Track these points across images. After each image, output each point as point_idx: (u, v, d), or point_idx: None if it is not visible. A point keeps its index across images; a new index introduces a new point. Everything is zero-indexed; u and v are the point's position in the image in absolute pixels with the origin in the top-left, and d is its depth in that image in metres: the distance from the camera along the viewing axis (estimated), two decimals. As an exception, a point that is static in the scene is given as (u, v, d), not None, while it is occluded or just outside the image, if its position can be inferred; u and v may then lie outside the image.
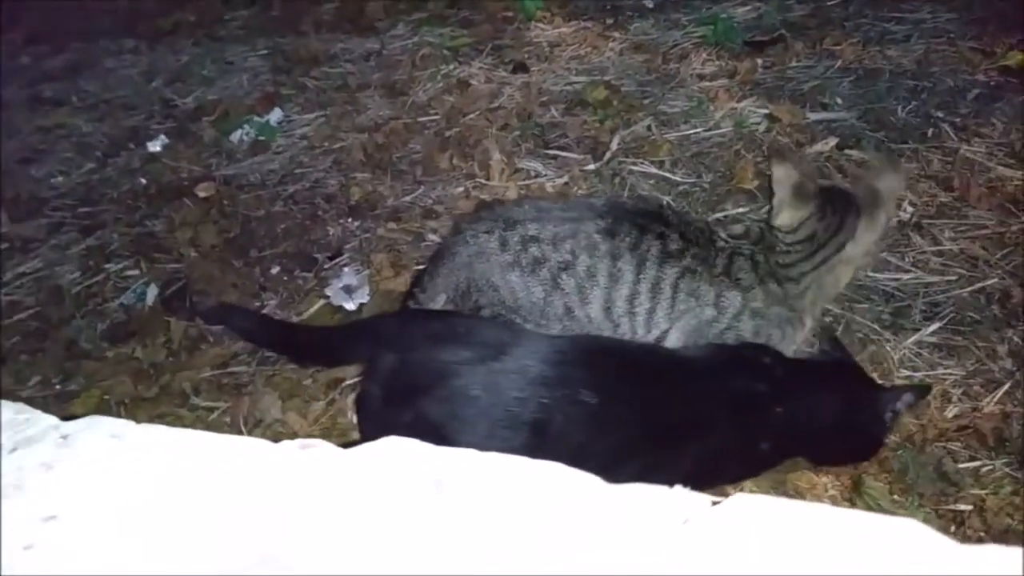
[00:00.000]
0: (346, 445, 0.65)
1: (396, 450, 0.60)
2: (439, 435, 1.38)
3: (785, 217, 1.73)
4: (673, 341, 1.75)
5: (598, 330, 1.76)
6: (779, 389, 1.52)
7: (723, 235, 1.75)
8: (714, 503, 0.51)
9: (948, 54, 2.83)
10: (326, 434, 1.85)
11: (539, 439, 1.38)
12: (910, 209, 2.25)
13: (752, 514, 0.50)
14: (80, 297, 2.34)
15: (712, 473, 1.52)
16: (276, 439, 1.82)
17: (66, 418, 0.70)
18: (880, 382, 1.71)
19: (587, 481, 0.54)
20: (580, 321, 1.76)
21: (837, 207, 1.71)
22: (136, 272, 2.39)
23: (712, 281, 1.70)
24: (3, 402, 0.69)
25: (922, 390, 1.63)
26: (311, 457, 0.62)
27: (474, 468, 0.57)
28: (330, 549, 0.52)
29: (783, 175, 1.71)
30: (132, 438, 0.65)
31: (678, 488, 0.53)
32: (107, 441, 0.64)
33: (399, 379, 1.45)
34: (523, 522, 0.51)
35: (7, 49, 3.67)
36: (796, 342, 1.75)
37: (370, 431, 1.53)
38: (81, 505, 0.60)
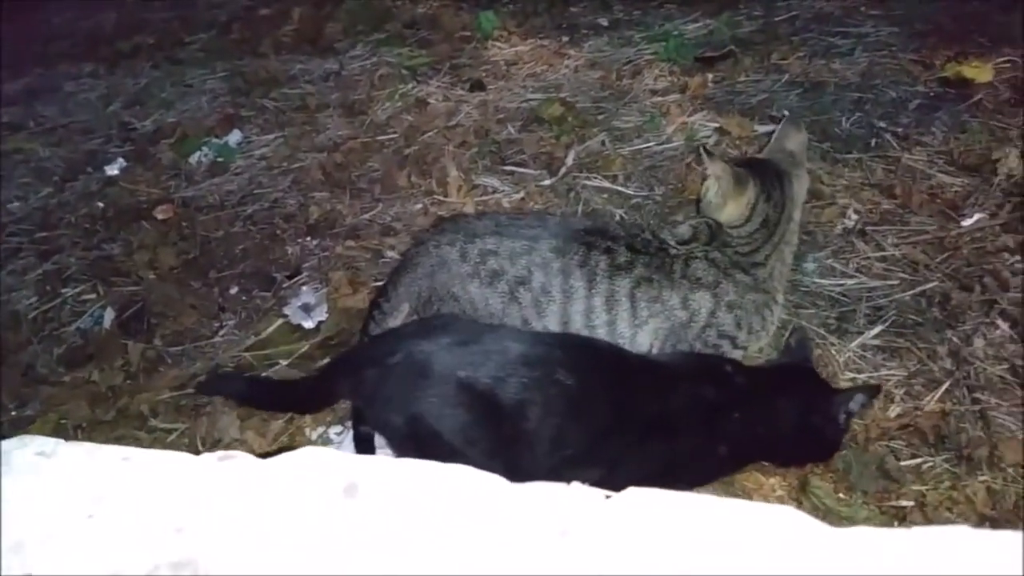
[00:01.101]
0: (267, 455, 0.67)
1: (311, 459, 0.63)
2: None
3: (732, 209, 1.80)
4: (646, 346, 1.79)
5: None
6: (738, 396, 1.56)
7: (672, 242, 1.81)
8: (607, 497, 0.54)
9: (890, 66, 2.92)
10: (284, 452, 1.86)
11: (514, 423, 1.41)
12: (855, 216, 2.32)
13: (641, 507, 0.53)
14: (37, 322, 2.34)
15: (673, 477, 1.54)
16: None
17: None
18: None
19: (492, 482, 0.57)
20: None
21: (773, 182, 1.81)
22: (93, 296, 2.39)
23: (674, 286, 1.76)
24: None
25: (872, 390, 1.67)
26: (229, 467, 0.65)
27: (385, 474, 0.60)
28: (241, 554, 0.54)
29: (719, 170, 1.79)
30: (60, 455, 0.67)
31: (575, 484, 0.56)
32: (35, 459, 0.65)
33: (386, 386, 1.48)
34: (427, 523, 0.54)
35: (-37, 75, 3.65)
36: (776, 321, 1.84)
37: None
38: (6, 519, 0.62)
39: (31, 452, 0.66)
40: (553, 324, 1.78)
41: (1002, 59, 2.82)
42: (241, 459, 0.66)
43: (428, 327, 1.56)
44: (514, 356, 1.45)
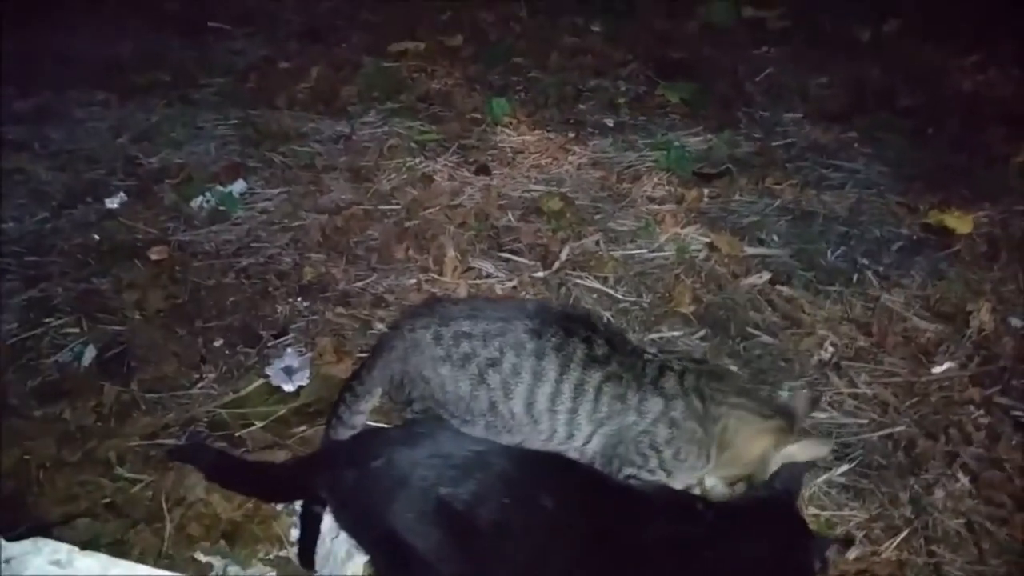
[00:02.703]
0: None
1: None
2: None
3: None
4: (595, 445, 1.82)
5: (518, 427, 1.83)
6: (714, 532, 1.55)
7: (652, 351, 1.87)
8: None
9: (877, 205, 3.06)
10: (248, 519, 1.86)
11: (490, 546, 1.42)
12: (831, 349, 2.39)
13: None
14: (14, 349, 2.32)
15: None
16: (198, 520, 1.82)
17: (7, 526, 0.72)
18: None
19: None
20: (503, 416, 1.83)
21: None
22: (76, 330, 2.38)
23: (639, 388, 1.79)
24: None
25: (846, 543, 1.68)
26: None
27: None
28: None
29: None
30: (76, 566, 0.67)
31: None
32: (49, 569, 0.66)
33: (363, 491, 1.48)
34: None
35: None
36: (698, 469, 1.81)
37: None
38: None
39: (45, 560, 0.67)
40: (519, 406, 1.81)
41: (982, 213, 2.97)
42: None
43: (413, 434, 1.57)
44: (496, 475, 1.47)
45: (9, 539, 0.70)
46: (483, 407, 1.83)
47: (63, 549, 0.69)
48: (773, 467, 1.73)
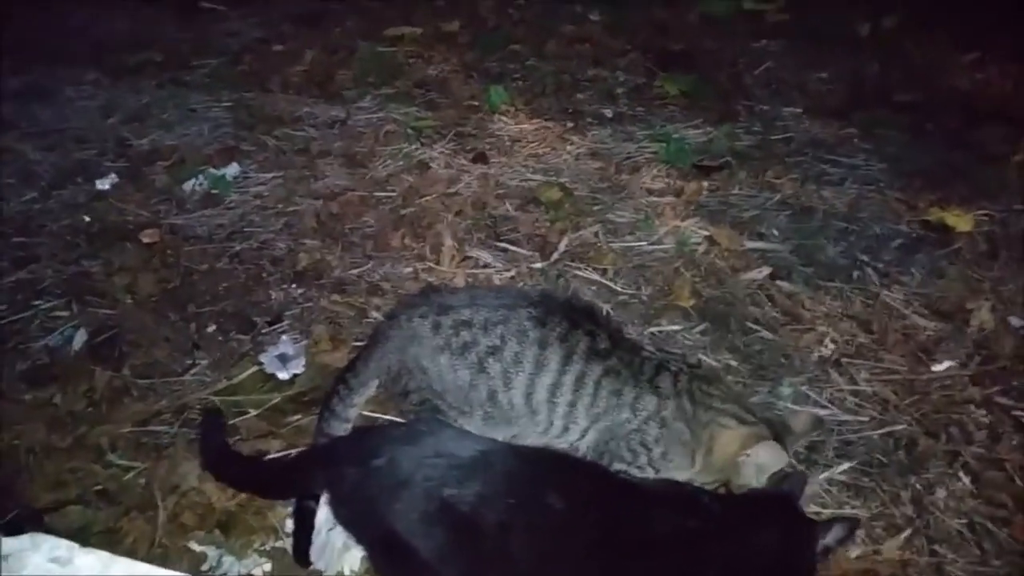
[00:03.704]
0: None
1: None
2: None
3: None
4: (589, 440, 1.81)
5: (516, 418, 1.82)
6: (716, 525, 1.53)
7: (649, 348, 1.86)
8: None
9: (877, 201, 3.04)
10: (243, 508, 1.82)
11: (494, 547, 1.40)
12: (831, 346, 2.38)
13: None
14: (3, 332, 2.27)
15: None
16: (192, 509, 1.79)
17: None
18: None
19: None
20: (501, 407, 1.80)
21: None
22: (66, 313, 2.34)
23: (636, 385, 1.79)
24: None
25: (851, 523, 1.64)
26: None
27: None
28: None
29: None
30: (76, 564, 0.64)
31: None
32: (49, 566, 0.63)
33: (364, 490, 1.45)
34: None
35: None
36: (684, 469, 1.79)
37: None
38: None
39: (45, 557, 0.63)
40: (518, 396, 1.79)
41: (981, 211, 2.95)
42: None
43: (415, 432, 1.54)
44: (501, 474, 1.44)
45: (2, 527, 0.67)
46: (482, 397, 1.81)
47: (62, 545, 0.66)
48: (748, 473, 1.73)
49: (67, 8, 4.19)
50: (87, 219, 2.74)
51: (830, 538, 1.55)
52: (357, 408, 1.91)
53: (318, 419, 1.91)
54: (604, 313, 2.30)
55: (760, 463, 1.72)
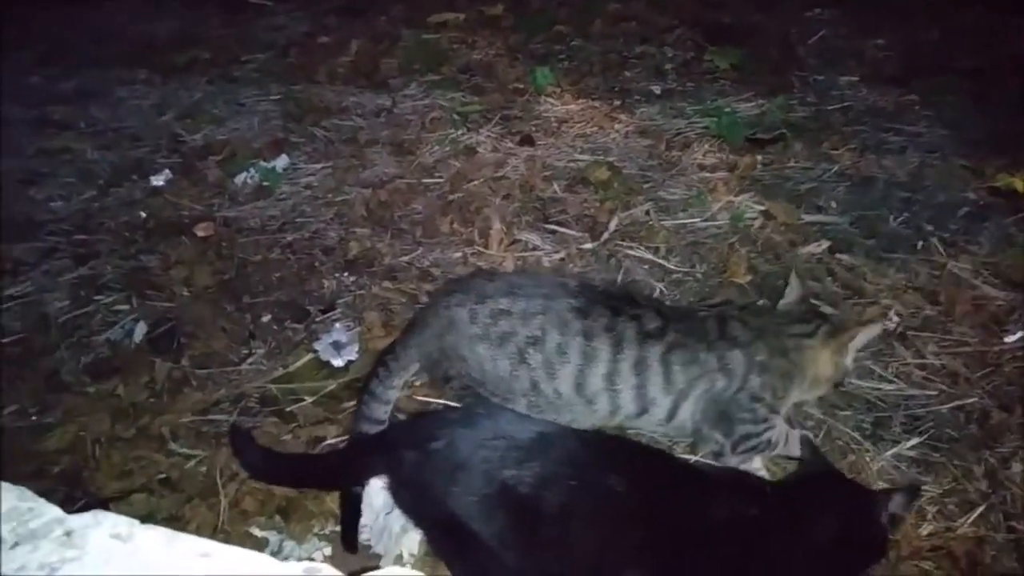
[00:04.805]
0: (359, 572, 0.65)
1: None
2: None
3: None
4: (687, 413, 1.80)
5: (566, 406, 1.80)
6: (778, 510, 1.48)
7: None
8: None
9: (941, 169, 2.93)
10: (302, 494, 1.84)
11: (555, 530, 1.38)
12: (896, 319, 2.30)
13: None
14: (66, 327, 2.32)
15: None
16: (252, 495, 1.81)
17: (65, 500, 0.69)
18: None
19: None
20: (545, 396, 1.79)
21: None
22: (126, 307, 2.38)
23: (710, 348, 1.77)
24: (4, 486, 0.68)
25: (912, 489, 1.61)
26: (312, 581, 0.62)
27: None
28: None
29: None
30: (137, 540, 0.64)
31: None
32: (111, 543, 0.63)
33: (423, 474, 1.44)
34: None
35: (17, 68, 3.69)
36: (796, 396, 1.85)
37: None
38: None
39: (106, 533, 0.64)
40: (565, 386, 1.78)
41: (1051, 176, 2.82)
42: (327, 573, 0.63)
43: (472, 415, 1.53)
44: (561, 456, 1.42)
45: (69, 512, 0.67)
46: (524, 386, 1.80)
47: (123, 522, 0.66)
48: (850, 362, 1.87)
49: (113, 10, 4.27)
50: (143, 215, 2.78)
51: (894, 506, 1.49)
52: (397, 390, 1.92)
53: (358, 401, 1.92)
54: (646, 292, 2.27)
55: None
